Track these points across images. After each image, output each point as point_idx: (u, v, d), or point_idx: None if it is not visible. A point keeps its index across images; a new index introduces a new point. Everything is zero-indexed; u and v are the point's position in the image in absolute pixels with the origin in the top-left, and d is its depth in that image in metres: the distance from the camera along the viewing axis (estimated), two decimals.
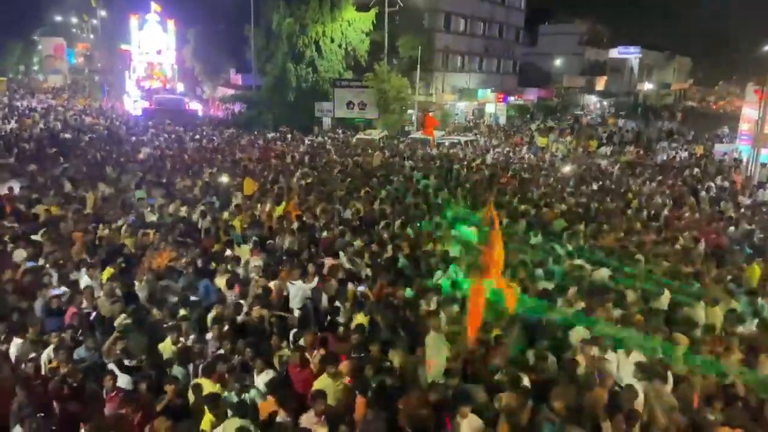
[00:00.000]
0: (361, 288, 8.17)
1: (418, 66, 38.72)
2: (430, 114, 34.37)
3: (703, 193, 17.46)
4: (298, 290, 8.31)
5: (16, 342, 6.69)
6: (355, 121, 36.87)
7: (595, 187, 17.93)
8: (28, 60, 70.66)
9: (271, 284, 8.22)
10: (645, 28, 74.03)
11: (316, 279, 8.49)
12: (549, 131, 37.39)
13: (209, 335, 6.97)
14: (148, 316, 7.41)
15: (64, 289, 7.94)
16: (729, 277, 9.13)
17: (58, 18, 73.76)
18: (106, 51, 69.06)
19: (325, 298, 8.12)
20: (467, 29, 50.18)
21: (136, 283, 8.32)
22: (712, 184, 18.87)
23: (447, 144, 28.77)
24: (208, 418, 5.33)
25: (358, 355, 6.19)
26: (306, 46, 36.56)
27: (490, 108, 50.14)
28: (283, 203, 12.61)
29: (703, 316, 7.57)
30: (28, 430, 5.06)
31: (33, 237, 9.81)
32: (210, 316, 7.33)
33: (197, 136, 27.62)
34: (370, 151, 24.48)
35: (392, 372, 5.90)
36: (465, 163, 21.60)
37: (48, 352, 6.46)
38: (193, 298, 7.97)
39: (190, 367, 6.46)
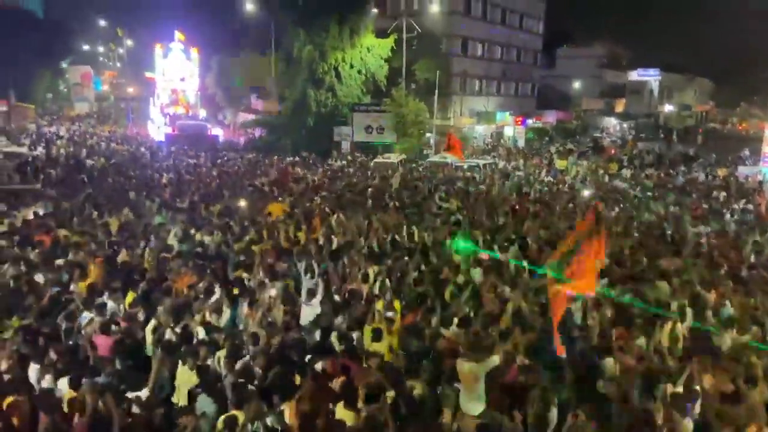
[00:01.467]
0: (389, 314, 8.01)
1: (436, 90, 39.01)
2: (452, 133, 34.42)
3: (728, 216, 17.20)
4: (312, 312, 8.30)
5: (34, 367, 6.76)
6: (375, 144, 37.11)
7: (617, 210, 17.76)
8: (56, 88, 72.56)
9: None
10: (664, 50, 73.75)
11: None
12: (568, 153, 37.23)
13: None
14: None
15: (87, 314, 8.04)
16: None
17: (86, 47, 75.91)
18: (131, 79, 70.88)
19: (339, 321, 8.07)
20: (485, 53, 50.58)
21: (159, 308, 8.36)
22: (737, 207, 18.59)
23: (465, 167, 28.76)
24: None
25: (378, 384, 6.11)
26: (325, 72, 37.07)
27: (508, 131, 50.17)
28: (303, 228, 12.69)
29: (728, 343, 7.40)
30: None
31: (57, 262, 10.01)
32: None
33: (218, 161, 28.04)
34: (390, 172, 24.67)
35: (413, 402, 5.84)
36: (484, 187, 21.54)
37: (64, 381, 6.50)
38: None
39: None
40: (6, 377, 6.58)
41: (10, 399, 5.85)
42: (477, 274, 9.75)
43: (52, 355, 6.88)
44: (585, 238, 6.99)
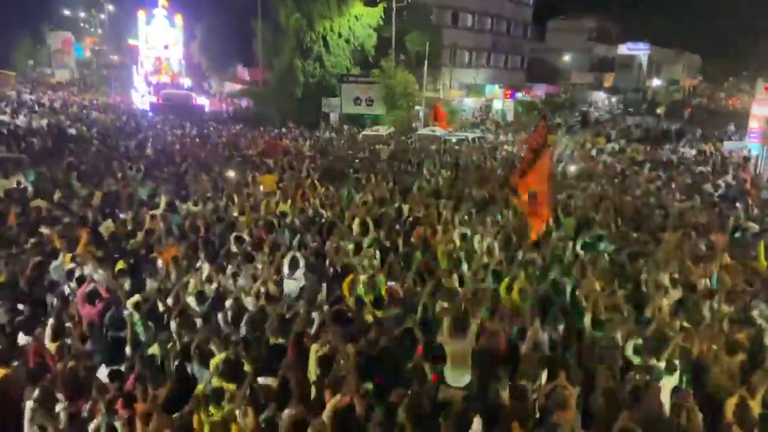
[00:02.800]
0: (391, 283, 7.94)
1: (426, 62, 38.62)
2: (440, 107, 34.25)
3: (711, 190, 17.29)
4: (295, 285, 8.25)
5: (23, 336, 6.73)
6: (364, 117, 36.80)
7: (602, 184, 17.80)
8: (37, 54, 70.82)
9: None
10: (654, 24, 73.39)
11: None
12: (557, 128, 37.18)
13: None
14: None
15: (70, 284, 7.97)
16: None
17: (67, 12, 73.94)
18: (113, 46, 69.34)
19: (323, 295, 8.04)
20: (475, 25, 50.03)
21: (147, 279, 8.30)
22: (721, 182, 18.70)
23: (454, 141, 28.67)
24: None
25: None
26: (313, 41, 36.50)
27: (497, 104, 49.97)
28: (291, 200, 12.60)
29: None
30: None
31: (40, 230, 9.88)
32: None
33: (205, 131, 27.68)
34: (377, 146, 24.51)
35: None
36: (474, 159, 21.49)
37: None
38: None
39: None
40: None
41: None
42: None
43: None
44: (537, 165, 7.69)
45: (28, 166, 15.86)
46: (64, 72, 65.34)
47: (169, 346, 6.45)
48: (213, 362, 5.90)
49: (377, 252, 9.29)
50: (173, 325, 6.81)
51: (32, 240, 9.43)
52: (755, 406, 5.28)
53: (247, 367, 5.86)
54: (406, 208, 12.07)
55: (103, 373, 6.24)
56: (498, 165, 20.38)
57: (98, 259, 8.65)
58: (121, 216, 11.21)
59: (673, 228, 11.48)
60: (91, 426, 5.19)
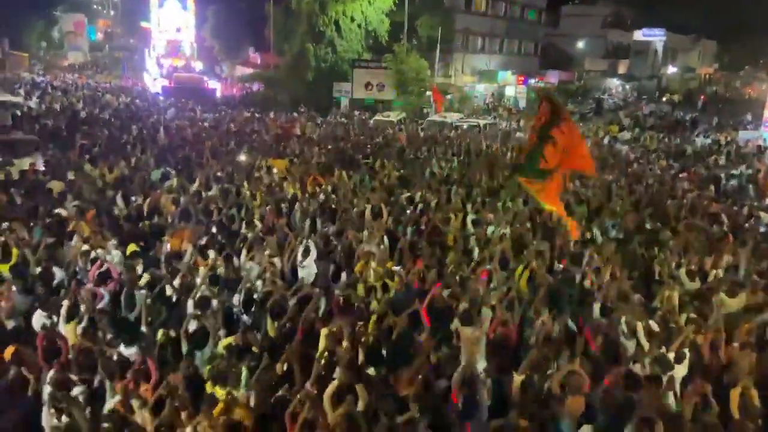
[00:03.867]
0: (396, 267, 7.98)
1: (438, 47, 38.30)
2: (437, 89, 34.01)
3: (724, 181, 17.11)
4: (306, 273, 8.25)
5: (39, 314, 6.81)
6: (374, 102, 36.65)
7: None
8: (49, 36, 70.93)
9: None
10: (670, 10, 72.06)
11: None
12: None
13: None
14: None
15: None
16: None
17: None
18: (126, 28, 69.35)
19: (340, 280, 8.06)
20: (488, 10, 49.43)
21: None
22: (735, 172, 18.50)
23: (465, 127, 28.52)
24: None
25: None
26: (326, 25, 36.32)
27: (510, 90, 49.50)
28: (302, 185, 12.63)
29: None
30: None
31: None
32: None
33: (216, 115, 27.71)
34: (390, 131, 24.48)
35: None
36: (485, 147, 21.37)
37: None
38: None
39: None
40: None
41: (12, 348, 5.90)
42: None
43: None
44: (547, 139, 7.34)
45: (42, 148, 15.99)
46: (77, 54, 65.57)
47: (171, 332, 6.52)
48: (222, 344, 5.97)
49: (386, 238, 9.31)
50: (190, 305, 6.87)
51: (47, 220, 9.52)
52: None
53: (255, 350, 5.93)
54: (417, 195, 12.06)
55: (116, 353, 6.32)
56: (509, 152, 20.26)
57: (110, 240, 8.74)
58: (134, 198, 11.29)
59: (687, 218, 11.41)
60: (108, 406, 5.28)
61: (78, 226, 9.05)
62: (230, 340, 6.02)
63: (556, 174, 7.65)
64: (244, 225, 9.70)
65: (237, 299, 7.26)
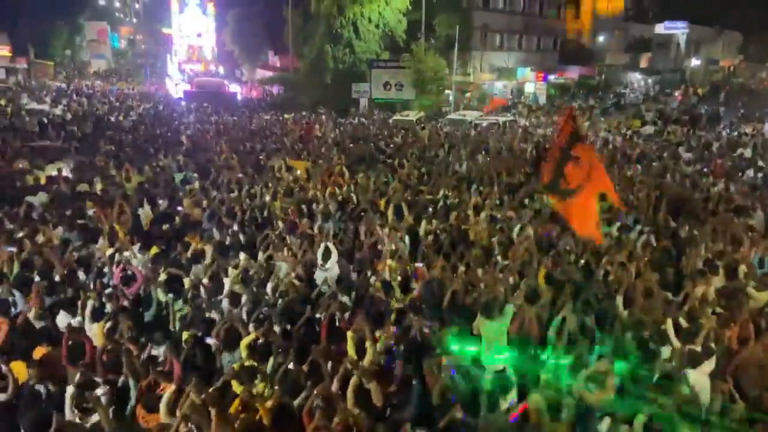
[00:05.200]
0: (419, 264, 7.96)
1: (456, 45, 38.19)
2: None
3: (751, 173, 16.78)
4: (329, 276, 8.16)
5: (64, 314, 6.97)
6: (393, 101, 36.68)
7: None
8: (74, 44, 72.25)
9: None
10: (692, 2, 70.79)
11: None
12: (591, 110, 36.45)
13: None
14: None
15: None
16: None
17: (102, 2, 75.23)
18: (148, 35, 70.35)
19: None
20: (506, 6, 49.08)
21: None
22: (762, 164, 18.14)
23: (484, 125, 28.40)
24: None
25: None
26: (343, 26, 36.49)
27: (529, 87, 49.11)
28: (323, 186, 12.71)
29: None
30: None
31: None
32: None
33: (235, 118, 28.02)
34: (409, 130, 24.50)
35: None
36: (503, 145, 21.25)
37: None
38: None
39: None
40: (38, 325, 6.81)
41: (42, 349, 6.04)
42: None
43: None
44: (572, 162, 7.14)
45: (69, 154, 16.34)
46: (100, 62, 66.65)
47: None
48: (243, 343, 6.06)
49: (407, 237, 9.32)
50: (225, 303, 6.98)
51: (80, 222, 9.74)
52: None
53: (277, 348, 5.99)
54: (439, 193, 12.05)
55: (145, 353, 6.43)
56: (529, 149, 20.12)
57: (136, 243, 8.90)
58: (159, 202, 11.48)
59: (713, 212, 11.23)
60: (131, 403, 5.38)
61: (111, 229, 9.22)
62: (252, 337, 6.07)
63: (581, 194, 7.35)
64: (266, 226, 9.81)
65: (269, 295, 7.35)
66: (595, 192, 7.19)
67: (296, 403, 5.11)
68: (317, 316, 6.70)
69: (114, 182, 12.71)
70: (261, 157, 16.59)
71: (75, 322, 6.77)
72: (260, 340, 6.03)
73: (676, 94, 46.11)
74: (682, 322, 6.41)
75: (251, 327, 6.41)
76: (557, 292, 6.92)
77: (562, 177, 7.33)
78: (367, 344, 5.70)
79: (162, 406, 5.07)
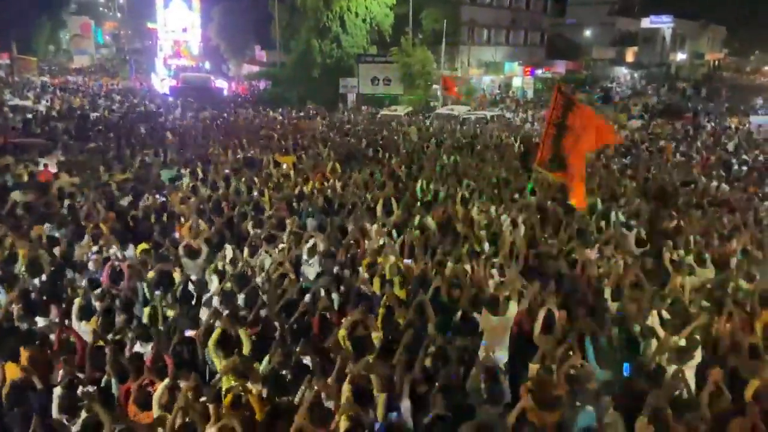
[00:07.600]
0: (407, 261, 7.92)
1: (443, 40, 38.15)
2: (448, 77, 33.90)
3: (736, 166, 16.98)
4: (312, 271, 8.15)
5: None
6: (381, 96, 36.59)
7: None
8: (57, 39, 71.30)
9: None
10: None
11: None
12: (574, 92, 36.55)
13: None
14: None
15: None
16: None
17: None
18: (133, 30, 69.61)
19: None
20: (493, 1, 49.11)
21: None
22: (747, 157, 18.35)
23: (473, 119, 28.42)
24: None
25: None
26: (330, 21, 36.31)
27: (517, 82, 49.26)
28: (310, 181, 12.65)
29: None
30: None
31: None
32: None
33: (224, 114, 27.82)
34: (395, 125, 24.45)
35: None
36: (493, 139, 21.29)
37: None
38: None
39: None
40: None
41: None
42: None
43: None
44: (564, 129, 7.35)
45: (52, 150, 16.16)
46: (83, 57, 65.85)
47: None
48: (212, 339, 5.93)
49: (394, 232, 9.31)
50: (215, 301, 6.93)
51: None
52: None
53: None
54: (428, 188, 12.04)
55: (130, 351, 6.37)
56: (517, 143, 20.20)
57: (122, 240, 8.81)
58: (146, 197, 11.36)
59: (698, 205, 11.33)
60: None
61: (97, 227, 9.12)
62: (218, 332, 5.96)
63: (575, 158, 7.68)
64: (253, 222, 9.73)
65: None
66: (583, 153, 7.65)
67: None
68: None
69: (99, 179, 12.57)
70: (250, 154, 16.47)
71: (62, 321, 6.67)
72: (254, 338, 5.99)
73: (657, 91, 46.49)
74: (665, 314, 6.44)
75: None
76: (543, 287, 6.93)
77: (561, 150, 7.59)
78: (374, 335, 5.73)
79: (155, 403, 5.03)
